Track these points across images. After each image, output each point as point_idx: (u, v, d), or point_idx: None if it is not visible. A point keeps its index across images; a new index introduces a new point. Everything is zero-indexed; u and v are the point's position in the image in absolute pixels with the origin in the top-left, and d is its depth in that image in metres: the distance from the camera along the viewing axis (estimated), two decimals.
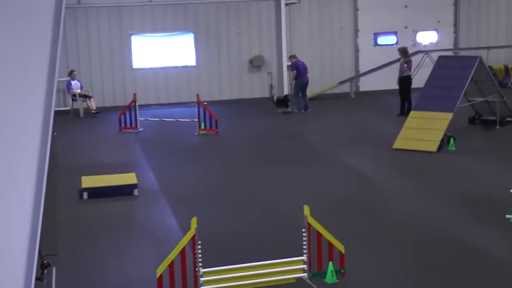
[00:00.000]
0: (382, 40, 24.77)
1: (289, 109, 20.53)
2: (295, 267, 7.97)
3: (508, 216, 9.85)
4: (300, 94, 20.72)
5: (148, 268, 8.24)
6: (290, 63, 21.31)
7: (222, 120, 17.73)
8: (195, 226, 7.49)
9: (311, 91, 23.73)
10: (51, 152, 4.28)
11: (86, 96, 21.47)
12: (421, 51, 23.79)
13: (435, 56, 19.73)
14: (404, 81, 19.18)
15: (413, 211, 10.61)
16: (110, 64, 22.84)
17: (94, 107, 21.32)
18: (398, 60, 23.51)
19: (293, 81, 21.11)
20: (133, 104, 18.34)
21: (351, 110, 20.80)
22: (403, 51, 19.69)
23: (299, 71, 20.67)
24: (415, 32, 24.89)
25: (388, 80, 23.96)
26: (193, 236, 7.49)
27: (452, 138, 14.72)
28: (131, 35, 22.94)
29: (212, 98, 22.96)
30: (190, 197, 11.92)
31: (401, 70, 19.42)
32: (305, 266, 7.95)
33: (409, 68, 19.35)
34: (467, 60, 16.15)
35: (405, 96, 19.09)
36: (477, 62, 15.61)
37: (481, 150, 14.62)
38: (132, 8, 22.83)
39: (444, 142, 14.72)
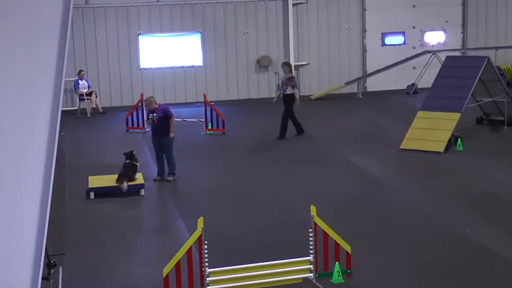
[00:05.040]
0: (389, 40, 24.68)
1: (169, 178, 12.92)
2: (301, 267, 7.97)
3: None
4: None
5: (155, 268, 8.26)
6: (150, 110, 13.26)
7: (229, 120, 17.73)
8: (202, 226, 7.50)
9: (318, 92, 23.79)
10: (58, 152, 4.29)
11: (91, 94, 21.37)
12: (429, 52, 23.72)
13: (443, 56, 19.66)
14: (289, 99, 16.57)
15: (420, 211, 10.58)
16: (117, 64, 22.86)
17: (100, 109, 21.28)
18: (404, 61, 23.53)
19: (171, 136, 12.99)
20: (140, 103, 18.36)
21: (358, 110, 20.71)
22: (289, 66, 17.24)
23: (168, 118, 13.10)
24: (422, 32, 24.80)
25: (395, 81, 23.96)
26: (200, 235, 7.50)
27: (459, 139, 14.68)
28: (138, 35, 22.96)
29: (219, 98, 22.96)
30: (197, 197, 11.93)
31: (283, 87, 16.71)
32: (311, 266, 7.94)
33: (293, 85, 16.59)
34: (475, 61, 16.10)
35: (289, 116, 16.64)
36: (485, 62, 15.56)
37: (489, 151, 14.56)
38: (139, 8, 22.85)
39: (452, 142, 14.68)
